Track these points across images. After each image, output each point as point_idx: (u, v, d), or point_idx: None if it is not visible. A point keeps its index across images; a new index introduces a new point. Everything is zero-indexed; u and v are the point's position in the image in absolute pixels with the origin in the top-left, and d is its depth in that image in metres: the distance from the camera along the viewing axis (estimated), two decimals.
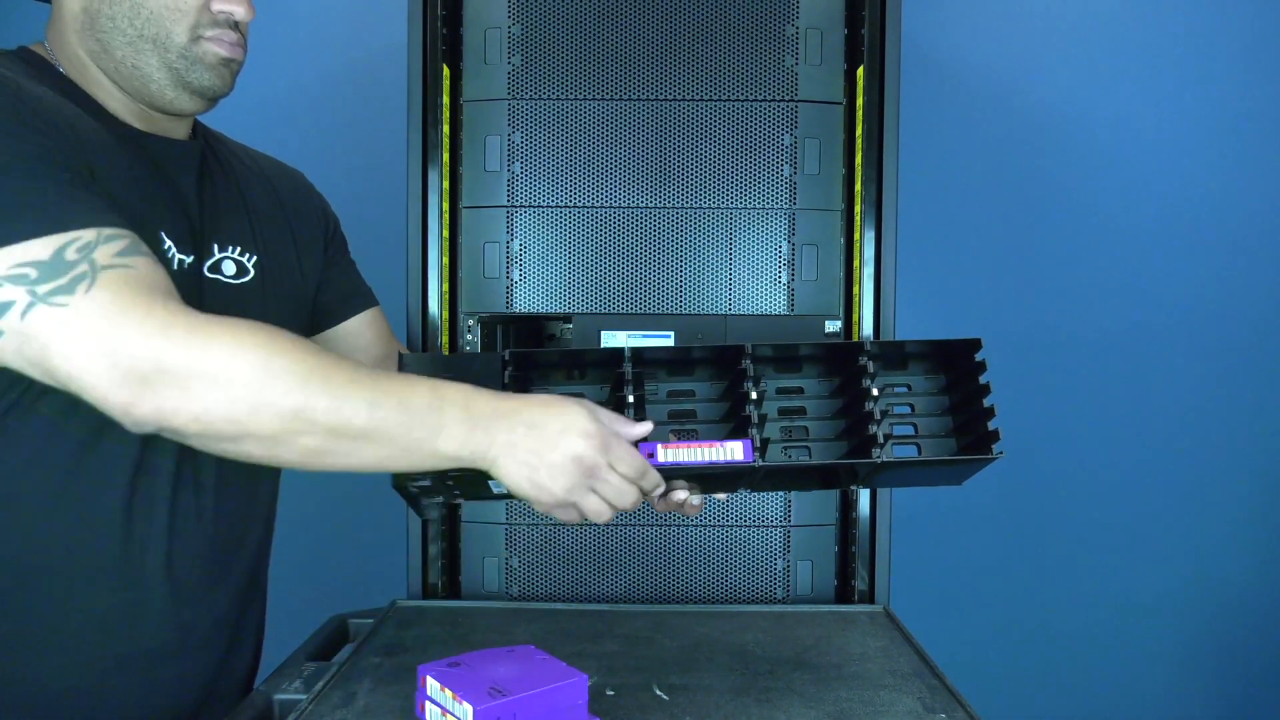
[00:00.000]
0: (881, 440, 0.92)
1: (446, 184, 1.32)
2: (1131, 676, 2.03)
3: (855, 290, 1.32)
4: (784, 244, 1.32)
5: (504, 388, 0.93)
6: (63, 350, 0.75)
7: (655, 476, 0.89)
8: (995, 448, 0.93)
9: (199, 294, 0.96)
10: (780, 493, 1.32)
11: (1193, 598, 2.02)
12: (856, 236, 1.31)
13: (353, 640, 1.21)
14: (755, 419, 0.92)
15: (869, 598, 1.30)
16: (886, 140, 1.28)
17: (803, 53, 1.31)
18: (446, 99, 1.31)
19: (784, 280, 1.32)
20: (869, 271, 1.30)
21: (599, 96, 1.30)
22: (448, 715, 0.81)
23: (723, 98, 1.30)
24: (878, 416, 0.93)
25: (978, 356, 0.96)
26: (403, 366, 0.95)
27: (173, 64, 0.93)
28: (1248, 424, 1.99)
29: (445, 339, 1.32)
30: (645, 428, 0.89)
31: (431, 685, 0.83)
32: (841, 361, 0.99)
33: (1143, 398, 1.98)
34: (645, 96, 1.30)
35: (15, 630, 0.91)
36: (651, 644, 1.11)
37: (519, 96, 1.30)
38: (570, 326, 1.34)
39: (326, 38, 1.94)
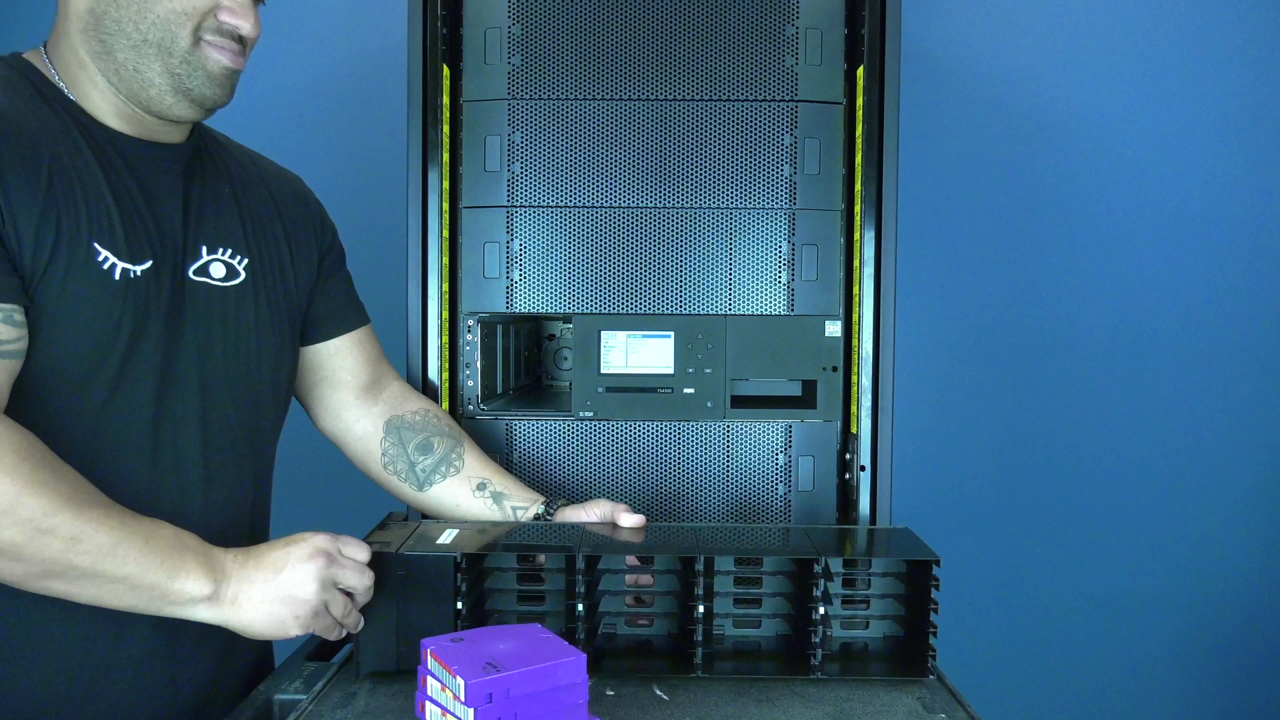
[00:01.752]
0: (818, 661, 0.96)
1: (446, 184, 1.32)
2: (1131, 676, 2.03)
3: (855, 290, 1.32)
4: (784, 244, 1.32)
5: (455, 590, 0.96)
6: None
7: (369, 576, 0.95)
8: (930, 664, 0.96)
9: (160, 298, 0.94)
10: (780, 492, 1.33)
11: (1192, 598, 2.02)
12: (856, 236, 1.31)
13: (353, 640, 1.21)
14: (700, 635, 0.97)
15: None
16: (886, 140, 1.28)
17: (803, 53, 1.31)
18: (446, 99, 1.31)
19: (784, 280, 1.32)
20: (869, 271, 1.30)
21: (599, 96, 1.30)
22: (445, 690, 0.80)
23: (723, 98, 1.31)
24: (816, 641, 0.96)
25: (935, 572, 0.97)
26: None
27: (174, 69, 0.92)
28: (1248, 424, 1.99)
29: (445, 339, 1.32)
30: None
31: (432, 662, 0.83)
32: (799, 570, 1.01)
33: (1142, 397, 1.98)
34: (645, 96, 1.30)
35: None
36: None
37: (519, 96, 1.30)
38: (570, 326, 1.34)
39: (326, 38, 1.93)
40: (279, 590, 0.89)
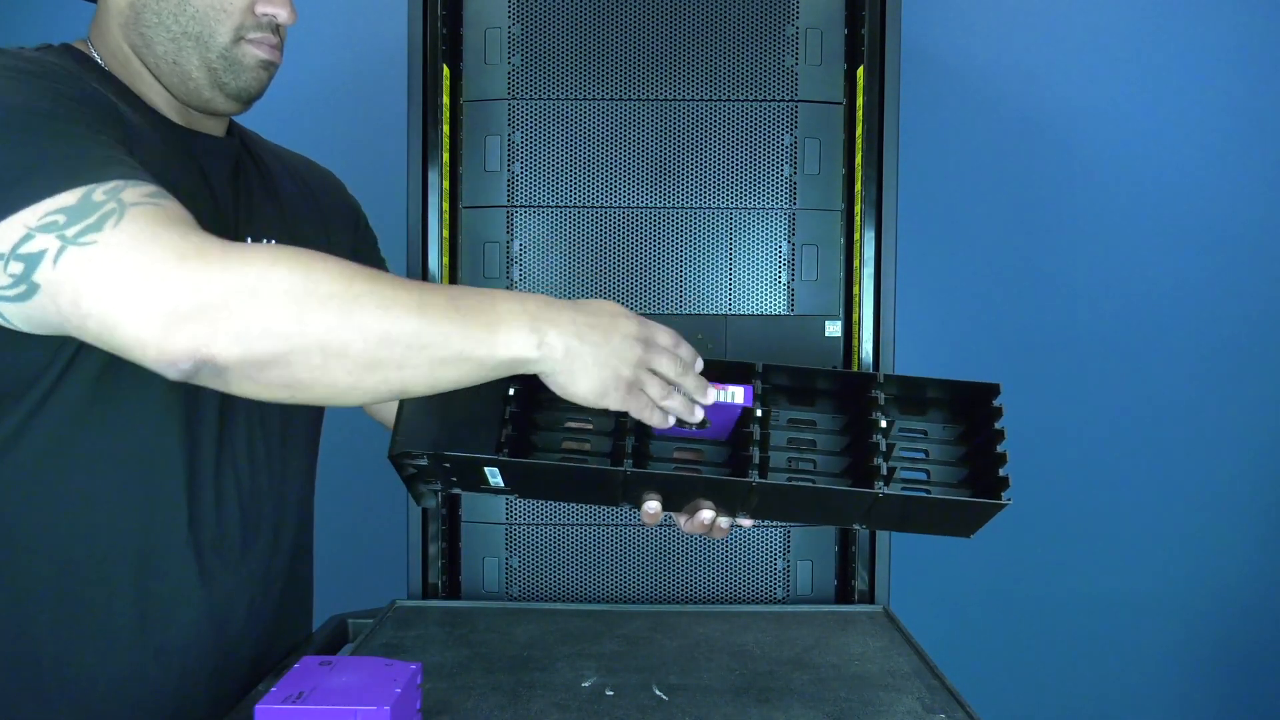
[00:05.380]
0: (884, 472, 0.89)
1: (446, 184, 1.32)
2: (1131, 676, 2.03)
3: (855, 290, 1.32)
4: (784, 244, 1.32)
5: (502, 424, 0.92)
6: (93, 289, 0.71)
7: (689, 350, 0.88)
8: (1004, 495, 0.89)
9: None
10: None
11: (1192, 597, 2.02)
12: (856, 236, 1.31)
13: (353, 640, 1.21)
14: (757, 437, 0.91)
15: (869, 598, 1.30)
16: (886, 140, 1.28)
17: (803, 53, 1.31)
18: (446, 99, 1.31)
19: (784, 280, 1.32)
20: (869, 271, 1.30)
21: (599, 96, 1.30)
22: None
23: (723, 98, 1.30)
24: (883, 449, 0.90)
25: (995, 402, 0.92)
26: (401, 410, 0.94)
27: (211, 64, 0.94)
28: (1248, 424, 1.99)
29: None
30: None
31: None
32: (855, 394, 0.96)
33: (1143, 397, 1.98)
34: (645, 96, 1.30)
35: (58, 618, 0.91)
36: (651, 644, 1.11)
37: (519, 96, 1.30)
38: None
39: (326, 38, 1.93)
40: (598, 352, 0.82)
